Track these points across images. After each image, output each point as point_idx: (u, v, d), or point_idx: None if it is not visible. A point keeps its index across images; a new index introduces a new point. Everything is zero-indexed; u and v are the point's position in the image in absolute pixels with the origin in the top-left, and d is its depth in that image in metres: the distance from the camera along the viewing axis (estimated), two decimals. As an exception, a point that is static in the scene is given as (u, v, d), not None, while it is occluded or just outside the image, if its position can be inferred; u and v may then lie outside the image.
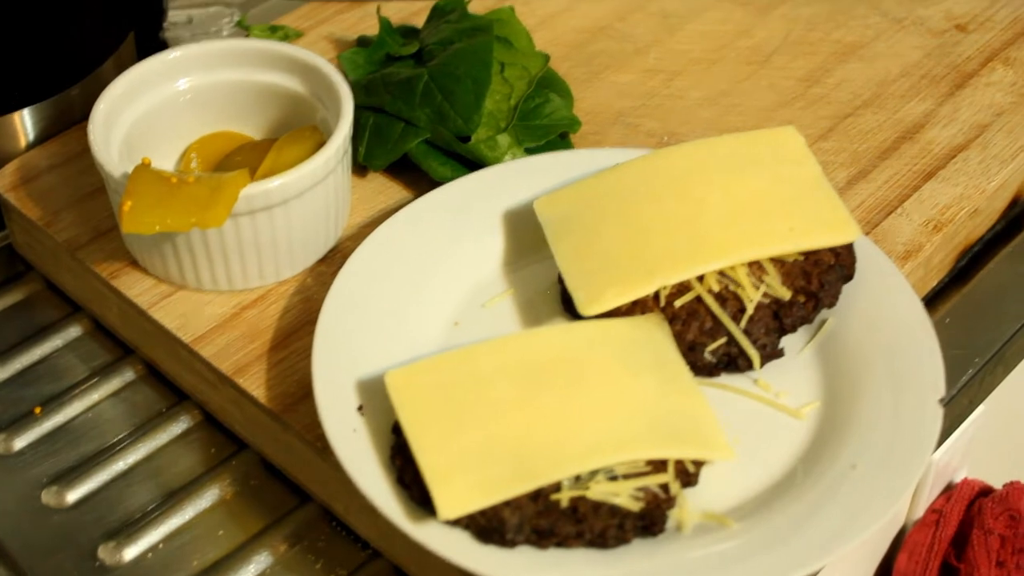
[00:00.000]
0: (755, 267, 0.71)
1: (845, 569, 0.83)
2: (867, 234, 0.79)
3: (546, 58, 0.85)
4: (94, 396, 0.79)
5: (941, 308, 0.81)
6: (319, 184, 0.74)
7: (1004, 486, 0.89)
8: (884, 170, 0.83)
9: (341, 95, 0.76)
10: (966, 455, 0.89)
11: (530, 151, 0.81)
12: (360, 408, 0.67)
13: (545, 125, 0.83)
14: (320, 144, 0.75)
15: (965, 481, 0.90)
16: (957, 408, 0.79)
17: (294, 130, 0.77)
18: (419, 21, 0.91)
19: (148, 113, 0.78)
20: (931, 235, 0.80)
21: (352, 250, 0.75)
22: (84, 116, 0.77)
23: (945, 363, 0.69)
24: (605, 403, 0.65)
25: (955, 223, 0.81)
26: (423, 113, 0.80)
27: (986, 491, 0.90)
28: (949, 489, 0.90)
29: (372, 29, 0.91)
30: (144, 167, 0.71)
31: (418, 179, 0.82)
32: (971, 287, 0.83)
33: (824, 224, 0.71)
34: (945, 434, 0.73)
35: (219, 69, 0.80)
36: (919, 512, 0.88)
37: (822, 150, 0.85)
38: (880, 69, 0.91)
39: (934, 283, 0.82)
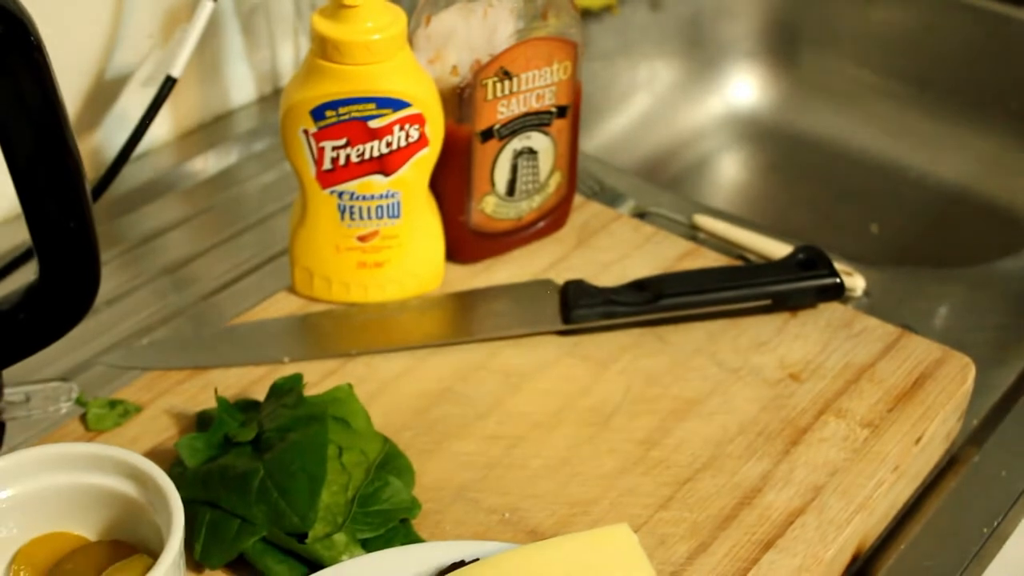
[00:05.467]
0: None
1: None
2: (709, 616, 0.79)
3: (384, 440, 0.85)
4: None
5: None
6: (150, 604, 0.72)
7: None
8: (724, 541, 0.84)
9: (172, 508, 0.75)
10: None
11: (368, 541, 0.81)
12: None
13: (385, 511, 0.82)
14: (149, 566, 0.73)
15: None
16: None
17: (119, 562, 0.76)
18: (261, 390, 0.91)
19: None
20: (772, 610, 0.80)
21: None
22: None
23: None
24: None
25: (795, 595, 0.81)
26: (259, 510, 0.80)
27: None
28: None
29: (213, 400, 0.90)
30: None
31: (256, 577, 0.81)
32: (817, 656, 0.83)
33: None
34: None
35: (49, 473, 0.79)
36: None
37: (663, 521, 0.85)
38: (718, 427, 0.93)
39: (779, 656, 0.82)
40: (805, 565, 0.83)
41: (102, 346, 1.03)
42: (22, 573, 0.77)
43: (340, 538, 0.79)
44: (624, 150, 1.56)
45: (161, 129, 1.27)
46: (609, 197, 1.21)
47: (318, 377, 0.96)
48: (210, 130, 1.30)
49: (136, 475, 0.78)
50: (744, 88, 1.65)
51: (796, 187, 1.58)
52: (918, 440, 0.92)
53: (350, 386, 0.88)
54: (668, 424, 0.93)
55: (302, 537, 0.79)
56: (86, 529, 0.81)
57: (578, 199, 1.14)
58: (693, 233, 1.18)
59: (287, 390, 0.88)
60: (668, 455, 0.91)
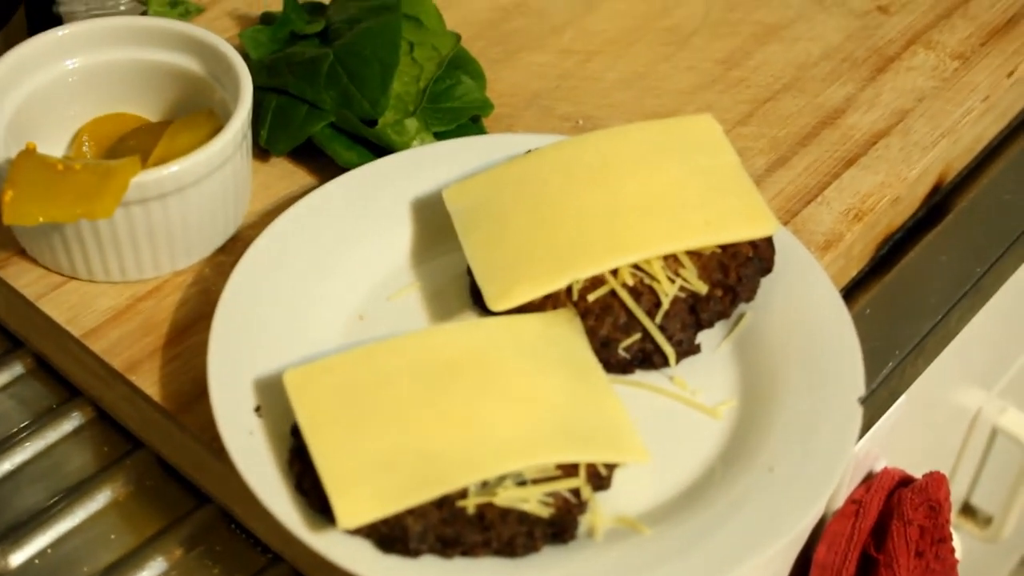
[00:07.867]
0: (671, 260, 0.68)
1: (763, 561, 0.81)
2: (786, 223, 0.77)
3: (457, 38, 0.81)
4: (-21, 393, 0.75)
5: (861, 299, 0.79)
6: (216, 171, 0.70)
7: (924, 476, 0.88)
8: (804, 157, 0.81)
9: (240, 76, 0.72)
10: (886, 445, 0.88)
11: (440, 136, 0.78)
12: (258, 409, 0.64)
13: (456, 108, 0.79)
14: (218, 128, 0.71)
15: (885, 471, 0.88)
16: (878, 400, 0.77)
17: (189, 114, 0.74)
18: (327, -3, 0.88)
19: (35, 95, 0.74)
20: (852, 224, 0.78)
21: (253, 239, 0.72)
22: (-31, 96, 0.73)
23: (865, 355, 0.67)
24: (514, 404, 0.62)
25: (876, 212, 0.79)
26: (328, 95, 0.77)
27: (906, 481, 0.88)
28: (869, 479, 0.89)
29: (276, 4, 0.87)
30: (27, 153, 0.67)
31: (323, 164, 0.79)
32: (892, 277, 0.81)
33: (742, 217, 0.68)
34: (866, 425, 0.71)
35: (111, 48, 0.76)
36: (838, 502, 0.86)
37: (741, 135, 0.82)
38: (801, 51, 0.89)
39: (854, 272, 0.80)
40: (887, 182, 0.80)
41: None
42: (87, 144, 0.75)
43: (412, 123, 0.77)
44: None
45: None
46: None
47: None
48: None
49: (199, 48, 0.75)
50: None
51: None
52: (1010, 74, 0.88)
53: (421, -15, 0.84)
54: (749, 46, 0.89)
55: (372, 123, 0.77)
56: (149, 110, 0.78)
57: None
58: None
59: (356, -12, 0.84)
60: (748, 75, 0.87)
